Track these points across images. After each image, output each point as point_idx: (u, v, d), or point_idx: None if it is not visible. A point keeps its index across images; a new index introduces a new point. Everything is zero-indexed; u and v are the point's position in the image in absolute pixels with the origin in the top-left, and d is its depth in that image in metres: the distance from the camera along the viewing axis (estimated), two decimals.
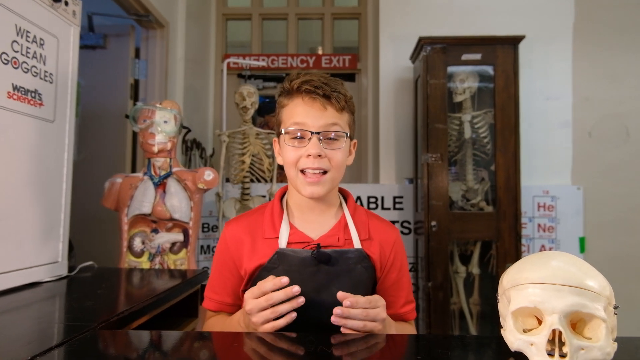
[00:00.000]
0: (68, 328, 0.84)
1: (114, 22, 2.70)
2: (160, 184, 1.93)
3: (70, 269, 1.45)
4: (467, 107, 2.53)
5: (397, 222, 2.83)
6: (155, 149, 1.91)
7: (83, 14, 2.44)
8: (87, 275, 1.41)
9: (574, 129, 2.82)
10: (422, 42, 2.45)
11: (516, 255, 2.35)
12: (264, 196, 2.73)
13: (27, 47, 1.22)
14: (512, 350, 0.65)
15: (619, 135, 2.80)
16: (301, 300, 0.80)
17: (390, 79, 2.95)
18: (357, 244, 0.93)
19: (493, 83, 2.44)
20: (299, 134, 0.90)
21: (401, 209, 2.85)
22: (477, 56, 2.44)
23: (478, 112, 2.52)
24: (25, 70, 1.22)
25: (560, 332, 0.61)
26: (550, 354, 0.61)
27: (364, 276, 0.92)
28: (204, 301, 1.00)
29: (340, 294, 0.80)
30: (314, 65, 3.83)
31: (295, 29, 3.89)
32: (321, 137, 0.90)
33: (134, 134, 2.66)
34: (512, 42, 2.42)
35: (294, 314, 0.81)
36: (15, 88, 1.18)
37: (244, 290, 0.96)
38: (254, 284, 0.92)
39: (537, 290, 0.63)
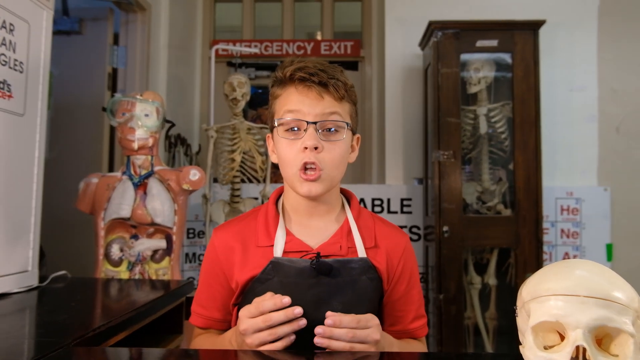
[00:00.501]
0: (39, 344, 0.84)
1: (91, 5, 2.70)
2: (140, 185, 1.93)
3: (41, 279, 1.45)
4: (482, 99, 2.53)
5: (405, 227, 2.83)
6: (135, 145, 1.90)
7: None
8: (59, 286, 1.41)
9: (600, 123, 2.83)
10: (433, 27, 2.45)
11: (537, 264, 2.35)
12: (256, 198, 2.73)
13: None
14: None
15: None
16: (302, 322, 0.80)
17: (397, 67, 2.96)
18: (361, 253, 0.92)
19: (511, 72, 2.44)
20: (293, 127, 0.90)
21: (409, 212, 2.85)
22: (494, 42, 2.44)
23: (495, 104, 2.53)
24: None
25: (584, 349, 0.61)
26: None
27: (370, 289, 0.92)
28: (190, 317, 1.00)
29: (327, 314, 0.80)
30: (312, 52, 3.83)
31: (291, 11, 3.89)
32: (319, 129, 0.89)
33: (112, 129, 2.66)
34: (532, 27, 2.42)
35: (293, 337, 0.80)
36: None
37: (235, 305, 0.95)
38: (246, 298, 0.91)
39: (560, 302, 0.63)
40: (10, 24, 1.28)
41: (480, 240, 2.43)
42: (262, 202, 2.69)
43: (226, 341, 0.90)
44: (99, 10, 2.71)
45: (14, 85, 1.30)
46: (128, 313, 1.08)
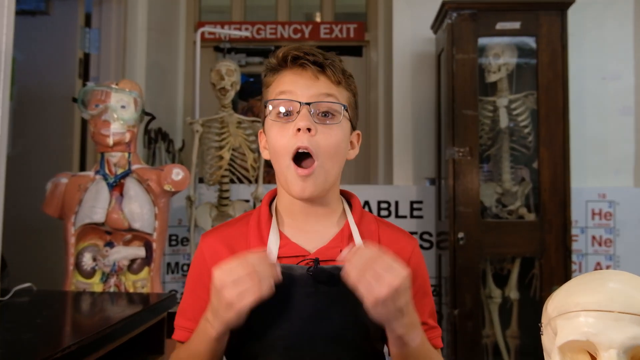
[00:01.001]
0: None
1: None
2: (116, 186, 1.93)
3: (3, 292, 1.45)
4: (503, 88, 2.53)
5: (415, 233, 2.83)
6: (110, 140, 1.90)
7: None
8: (24, 300, 1.40)
9: (637, 116, 2.83)
10: (447, 7, 2.45)
11: (565, 276, 2.35)
12: (247, 201, 2.72)
13: None
14: None
15: None
16: (279, 276, 0.82)
17: (406, 53, 2.95)
18: None
19: (535, 58, 2.44)
20: (285, 110, 0.92)
21: (420, 217, 2.85)
22: (516, 25, 2.44)
23: (517, 95, 2.52)
24: None
25: None
26: None
27: None
28: (174, 332, 1.00)
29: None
30: (310, 36, 3.83)
31: None
32: (312, 110, 0.91)
33: (84, 122, 2.66)
34: (559, 7, 2.42)
35: (279, 277, 0.82)
36: None
37: None
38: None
39: (591, 319, 0.63)
40: None
41: (500, 249, 2.42)
42: (254, 205, 2.69)
43: (200, 330, 0.88)
44: None
45: None
46: (102, 331, 1.07)
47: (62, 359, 0.92)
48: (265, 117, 0.96)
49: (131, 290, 1.90)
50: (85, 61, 2.75)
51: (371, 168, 3.53)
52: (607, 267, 2.76)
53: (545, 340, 0.70)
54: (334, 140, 0.92)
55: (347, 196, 1.03)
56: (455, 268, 2.38)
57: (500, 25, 2.45)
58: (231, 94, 2.56)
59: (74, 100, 1.99)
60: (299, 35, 3.82)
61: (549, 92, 2.42)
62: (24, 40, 2.60)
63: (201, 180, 2.73)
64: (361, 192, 2.82)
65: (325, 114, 0.92)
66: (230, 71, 2.55)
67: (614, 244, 2.76)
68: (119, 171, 1.94)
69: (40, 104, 2.66)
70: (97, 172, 1.94)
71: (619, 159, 2.82)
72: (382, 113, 3.37)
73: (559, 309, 0.66)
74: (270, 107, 0.94)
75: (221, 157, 2.52)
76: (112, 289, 1.89)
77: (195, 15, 3.82)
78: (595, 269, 2.77)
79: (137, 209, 1.90)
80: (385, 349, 0.95)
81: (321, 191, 0.93)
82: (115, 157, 1.94)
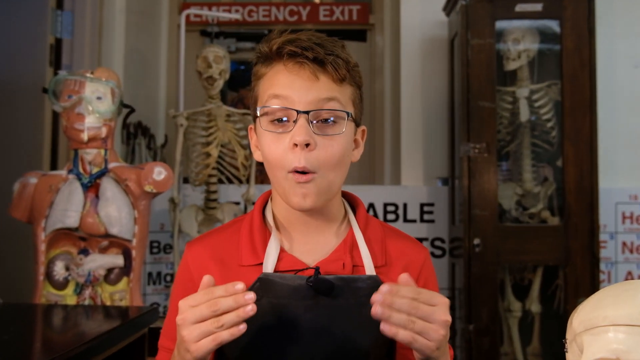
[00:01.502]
0: None
1: None
2: (91, 186, 1.93)
3: None
4: (523, 77, 2.53)
5: (426, 239, 2.83)
6: (85, 136, 1.90)
7: None
8: None
9: None
10: None
11: (592, 286, 2.35)
12: (237, 203, 2.72)
13: None
14: None
15: None
16: (250, 309, 0.77)
17: (415, 38, 2.95)
18: (369, 267, 0.93)
19: (559, 44, 2.44)
20: (280, 117, 0.90)
21: (431, 221, 2.85)
22: (537, 7, 2.44)
23: (539, 84, 2.53)
24: None
25: None
26: None
27: None
28: (157, 353, 1.00)
29: (384, 285, 0.77)
30: (307, 18, 3.83)
31: None
32: (312, 120, 0.89)
33: (55, 115, 2.65)
34: None
35: (243, 326, 0.78)
36: None
37: None
38: None
39: (621, 335, 0.63)
40: None
41: (520, 256, 2.42)
42: (245, 208, 2.69)
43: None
44: None
45: None
46: (76, 348, 1.07)
47: None
48: (256, 116, 0.95)
49: (108, 303, 1.89)
50: (57, 47, 2.74)
51: (376, 166, 3.53)
52: (639, 277, 2.76)
53: (570, 358, 0.70)
54: (336, 152, 0.91)
55: (350, 200, 1.03)
56: (470, 278, 2.38)
57: (520, 7, 2.45)
58: (219, 84, 2.56)
59: (44, 90, 1.99)
60: (295, 17, 3.82)
61: (575, 81, 2.42)
62: None
63: (186, 180, 2.73)
64: (365, 194, 2.84)
65: (326, 120, 0.91)
66: (218, 58, 2.55)
67: None
68: (95, 170, 1.94)
69: (6, 95, 2.66)
70: (69, 171, 1.94)
71: None
72: (389, 105, 3.37)
73: (586, 324, 0.67)
74: (261, 112, 0.92)
75: (208, 154, 2.52)
76: (86, 302, 1.89)
77: None
78: (626, 279, 2.77)
79: (115, 212, 1.90)
80: None
81: (324, 201, 0.93)
82: (90, 154, 1.94)
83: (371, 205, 2.86)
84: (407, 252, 0.99)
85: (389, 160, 3.34)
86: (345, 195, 1.03)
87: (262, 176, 3.03)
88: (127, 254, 1.93)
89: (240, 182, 2.59)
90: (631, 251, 2.77)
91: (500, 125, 2.51)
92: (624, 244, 2.77)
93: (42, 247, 1.90)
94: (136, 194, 1.94)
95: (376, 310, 0.77)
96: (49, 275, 1.90)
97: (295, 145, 0.88)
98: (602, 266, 2.71)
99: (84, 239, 1.92)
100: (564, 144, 2.42)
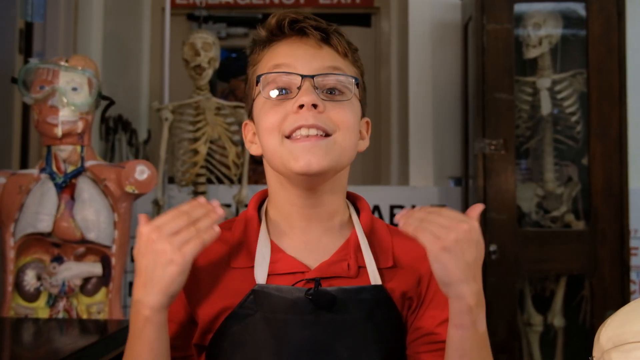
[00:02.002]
0: None
1: None
2: (66, 187, 1.92)
3: None
4: (544, 66, 2.53)
5: None
6: (59, 131, 1.90)
7: None
8: None
9: None
10: None
11: (622, 298, 2.35)
12: (228, 205, 2.72)
13: None
14: None
15: None
16: (220, 212, 0.87)
17: (425, 22, 2.95)
18: (374, 276, 0.93)
19: (585, 29, 2.44)
20: (282, 87, 0.91)
21: None
22: None
23: (562, 74, 2.52)
24: None
25: None
26: None
27: (388, 329, 0.93)
28: None
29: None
30: (306, 1, 3.84)
31: None
32: (317, 87, 0.90)
33: (26, 108, 2.65)
34: None
35: (217, 230, 0.86)
36: None
37: (198, 345, 0.95)
38: (218, 340, 0.92)
39: None
40: None
41: (541, 264, 2.42)
42: (237, 211, 2.69)
43: (132, 320, 0.88)
44: None
45: None
46: None
47: None
48: (252, 101, 0.96)
49: (85, 316, 1.89)
50: (27, 32, 2.74)
51: (382, 165, 3.53)
52: None
53: None
54: (350, 116, 0.92)
55: (352, 199, 1.04)
56: (486, 289, 2.36)
57: None
58: (208, 73, 2.56)
59: (13, 80, 1.98)
60: (292, 0, 3.82)
61: (602, 70, 2.42)
62: None
63: (171, 180, 2.73)
64: (370, 195, 2.81)
65: (332, 90, 0.92)
66: (207, 45, 2.55)
67: None
68: (70, 169, 1.94)
69: None
70: (42, 170, 1.94)
71: None
72: (396, 97, 3.37)
73: (615, 340, 0.67)
74: (260, 85, 0.92)
75: (196, 152, 2.52)
76: (61, 315, 1.89)
77: None
78: None
79: (92, 215, 1.90)
80: None
81: (335, 166, 0.92)
82: (64, 151, 1.94)
83: (376, 208, 2.86)
84: (414, 248, 0.98)
85: (395, 158, 3.34)
86: (348, 195, 1.03)
87: (255, 176, 3.03)
88: (105, 262, 1.93)
89: (232, 182, 2.59)
90: None
91: (519, 119, 2.51)
92: None
93: (11, 254, 1.89)
94: (116, 196, 1.94)
95: (399, 217, 0.85)
96: (18, 286, 1.90)
97: (301, 107, 0.88)
98: (633, 275, 2.71)
99: (57, 245, 1.92)
100: (590, 140, 2.42)
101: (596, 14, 2.43)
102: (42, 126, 1.92)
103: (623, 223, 2.38)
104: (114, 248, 1.93)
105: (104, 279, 1.93)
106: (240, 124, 2.48)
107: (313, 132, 0.88)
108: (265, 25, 0.95)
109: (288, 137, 0.90)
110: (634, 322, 0.66)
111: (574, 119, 2.50)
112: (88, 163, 1.95)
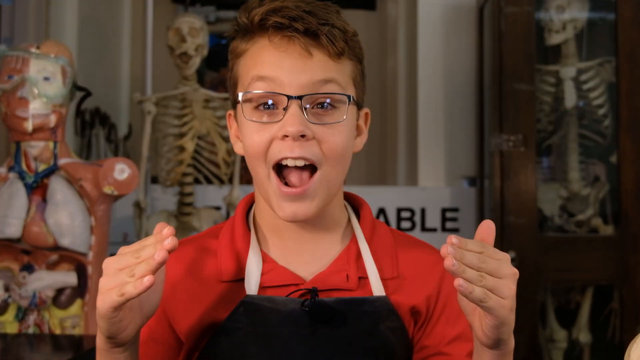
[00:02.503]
0: None
1: None
2: (37, 187, 1.92)
3: None
4: (569, 54, 2.53)
5: None
6: (29, 125, 1.90)
7: None
8: None
9: None
10: None
11: None
12: (218, 208, 2.72)
13: None
14: None
15: None
16: (158, 255, 0.77)
17: (436, 5, 2.95)
18: (376, 287, 0.93)
19: (614, 13, 2.44)
20: (267, 103, 0.90)
21: (455, 229, 2.85)
22: None
23: (588, 62, 2.52)
24: None
25: None
26: None
27: (392, 345, 0.93)
28: None
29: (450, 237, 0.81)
30: None
31: None
32: (305, 105, 0.89)
33: None
34: None
35: (150, 279, 0.76)
36: None
37: None
38: (206, 358, 0.92)
39: None
40: None
41: (565, 274, 2.42)
42: (228, 214, 2.69)
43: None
44: None
45: None
46: None
47: None
48: (236, 102, 0.95)
49: (58, 331, 1.89)
50: None
51: (388, 163, 3.53)
52: None
53: None
54: (339, 144, 0.91)
55: (353, 202, 1.04)
56: None
57: None
58: (196, 62, 2.56)
59: None
60: None
61: (633, 58, 2.42)
62: None
63: (155, 180, 2.73)
64: (375, 196, 2.84)
65: (323, 105, 0.91)
66: (194, 30, 2.55)
67: None
68: (41, 167, 1.94)
69: None
70: (10, 169, 1.94)
71: None
72: (404, 87, 3.37)
73: None
74: (243, 98, 0.92)
75: (182, 148, 2.52)
76: (31, 330, 1.89)
77: None
78: None
79: (66, 219, 1.90)
80: None
81: (323, 205, 0.93)
82: (35, 148, 1.94)
83: (382, 211, 2.86)
84: (423, 261, 0.99)
85: (403, 156, 3.34)
86: (347, 197, 1.03)
87: (247, 175, 3.02)
88: (81, 271, 1.93)
89: (222, 182, 2.59)
90: None
91: (540, 112, 2.51)
92: None
93: None
94: (93, 197, 1.93)
95: (450, 263, 0.79)
96: None
97: (285, 136, 0.88)
98: None
99: (27, 252, 1.92)
100: (620, 136, 2.42)
101: None
102: (10, 120, 1.92)
103: None
104: (91, 255, 1.93)
105: (79, 290, 1.93)
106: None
107: (300, 163, 0.88)
108: (247, 14, 0.92)
109: (276, 168, 0.90)
110: None
111: (601, 112, 2.50)
112: (62, 161, 1.95)
